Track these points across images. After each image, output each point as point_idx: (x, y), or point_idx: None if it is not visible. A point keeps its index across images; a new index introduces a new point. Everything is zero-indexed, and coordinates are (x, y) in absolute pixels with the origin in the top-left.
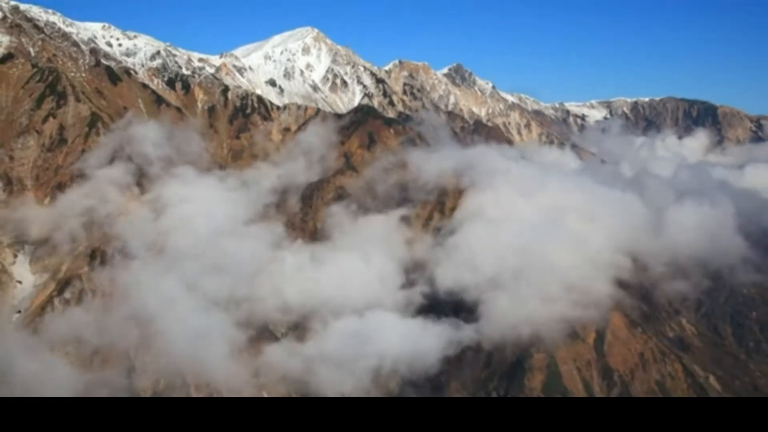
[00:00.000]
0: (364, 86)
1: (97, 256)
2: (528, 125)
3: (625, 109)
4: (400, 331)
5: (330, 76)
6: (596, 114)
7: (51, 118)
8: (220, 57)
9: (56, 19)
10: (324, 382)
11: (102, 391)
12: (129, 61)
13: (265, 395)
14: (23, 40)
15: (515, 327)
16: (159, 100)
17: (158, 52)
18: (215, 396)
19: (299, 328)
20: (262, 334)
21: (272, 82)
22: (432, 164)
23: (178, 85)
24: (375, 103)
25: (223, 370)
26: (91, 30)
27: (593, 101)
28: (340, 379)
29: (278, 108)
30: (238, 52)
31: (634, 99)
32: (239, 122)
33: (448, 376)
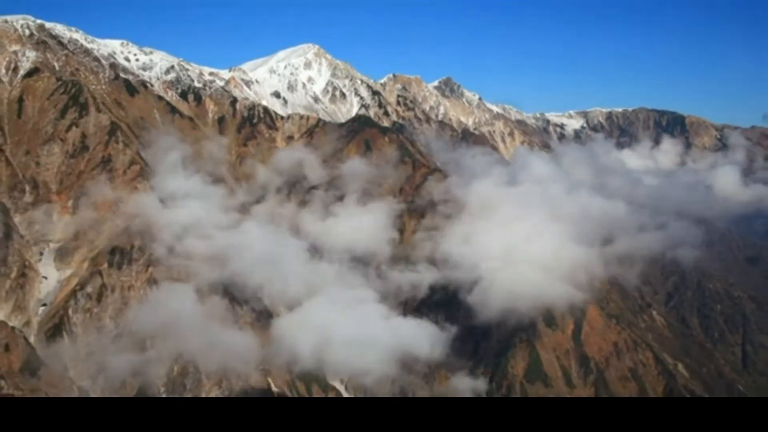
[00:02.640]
0: (361, 98)
1: (116, 253)
2: (511, 134)
3: (600, 118)
4: (392, 322)
5: (330, 89)
6: (574, 123)
7: (74, 127)
8: (229, 71)
9: (79, 36)
10: (321, 371)
11: (120, 377)
12: (145, 75)
13: (270, 381)
14: (48, 55)
15: (499, 318)
16: (173, 110)
17: (172, 67)
18: (224, 382)
19: (298, 318)
20: (267, 323)
21: (277, 94)
22: (422, 168)
23: (191, 97)
24: (371, 113)
25: (231, 357)
26: (110, 46)
27: (571, 111)
28: (336, 368)
29: (282, 118)
30: (246, 66)
31: (609, 109)
32: (247, 131)
33: (438, 364)
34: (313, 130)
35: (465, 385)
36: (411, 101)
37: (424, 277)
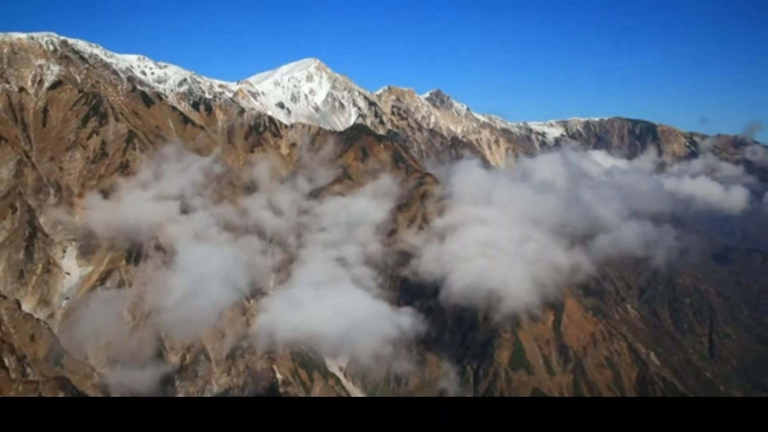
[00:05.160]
0: (359, 108)
1: (133, 251)
2: (497, 141)
3: (578, 127)
4: (386, 313)
5: (330, 100)
6: (554, 131)
7: (94, 135)
8: (237, 83)
9: (99, 51)
10: (320, 359)
11: (136, 366)
12: (160, 87)
13: (275, 369)
14: (71, 69)
15: (485, 310)
16: (185, 120)
17: (185, 80)
18: (233, 369)
19: (299, 311)
20: (272, 314)
21: (281, 105)
22: (415, 173)
23: (202, 108)
24: (368, 122)
25: (238, 345)
26: (128, 60)
27: (552, 121)
28: (334, 356)
29: (286, 127)
30: (252, 79)
31: (587, 119)
32: (253, 139)
33: (429, 352)
34: (315, 138)
35: (454, 371)
36: (404, 111)
37: (416, 273)
